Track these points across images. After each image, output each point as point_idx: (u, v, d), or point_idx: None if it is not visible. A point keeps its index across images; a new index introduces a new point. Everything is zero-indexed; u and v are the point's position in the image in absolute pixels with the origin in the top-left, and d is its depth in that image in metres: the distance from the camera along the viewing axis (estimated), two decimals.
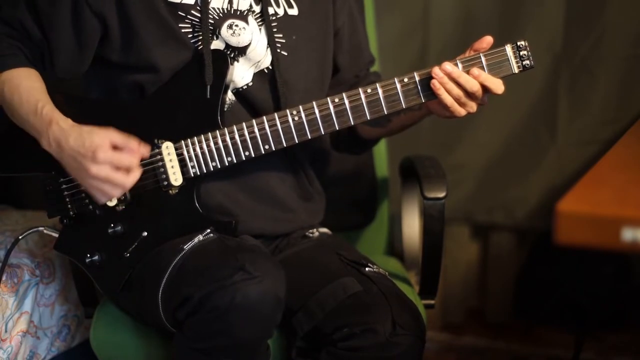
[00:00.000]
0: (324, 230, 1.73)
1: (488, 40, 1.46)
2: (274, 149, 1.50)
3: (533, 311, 2.61)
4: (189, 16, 1.54)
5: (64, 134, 1.46)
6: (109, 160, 1.44)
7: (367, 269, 1.53)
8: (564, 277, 2.51)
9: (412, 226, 1.88)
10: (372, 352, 1.40)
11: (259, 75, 1.58)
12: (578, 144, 2.37)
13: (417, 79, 1.47)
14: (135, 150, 1.45)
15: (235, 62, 1.56)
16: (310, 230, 1.70)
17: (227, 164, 1.51)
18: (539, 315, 2.59)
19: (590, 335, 2.43)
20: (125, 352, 1.59)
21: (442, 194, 1.65)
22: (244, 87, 1.57)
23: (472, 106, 1.47)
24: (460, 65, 1.45)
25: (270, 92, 1.58)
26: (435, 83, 1.45)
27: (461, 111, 1.47)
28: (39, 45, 1.56)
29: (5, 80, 1.53)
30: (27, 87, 1.52)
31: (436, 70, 1.45)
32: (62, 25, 1.54)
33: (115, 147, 1.45)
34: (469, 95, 1.45)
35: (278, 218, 1.64)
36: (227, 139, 1.50)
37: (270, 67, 1.58)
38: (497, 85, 1.45)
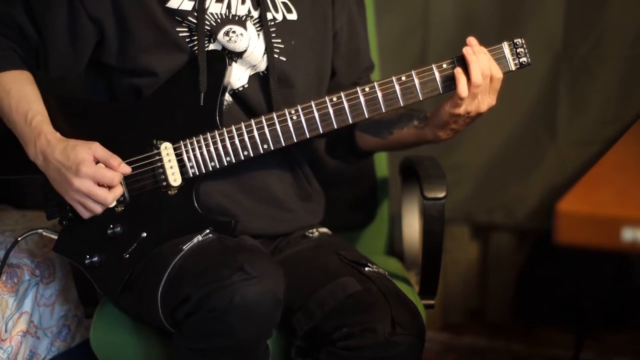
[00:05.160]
0: (324, 230, 1.72)
1: (471, 40, 1.47)
2: (272, 149, 1.51)
3: (533, 311, 2.61)
4: (185, 21, 1.54)
5: (51, 147, 1.48)
6: (92, 175, 1.46)
7: (366, 268, 1.53)
8: (564, 277, 2.50)
9: (412, 226, 1.88)
10: (371, 351, 1.40)
11: (255, 77, 1.58)
12: (578, 144, 2.37)
13: (415, 77, 1.47)
14: (116, 167, 1.47)
15: (233, 63, 1.56)
16: (310, 230, 1.70)
17: (226, 164, 1.51)
18: (539, 315, 2.59)
19: (590, 335, 2.43)
20: (125, 352, 1.59)
21: (442, 194, 1.65)
22: (240, 89, 1.58)
23: (469, 104, 1.47)
24: (456, 62, 1.47)
25: (265, 94, 1.58)
26: (467, 50, 1.44)
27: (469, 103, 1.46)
28: (33, 45, 1.55)
29: None
30: (18, 93, 1.52)
31: (471, 40, 1.46)
32: (57, 29, 1.53)
33: (98, 162, 1.47)
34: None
35: (277, 218, 1.64)
36: (226, 139, 1.50)
37: (266, 72, 1.58)
38: (496, 68, 1.46)
